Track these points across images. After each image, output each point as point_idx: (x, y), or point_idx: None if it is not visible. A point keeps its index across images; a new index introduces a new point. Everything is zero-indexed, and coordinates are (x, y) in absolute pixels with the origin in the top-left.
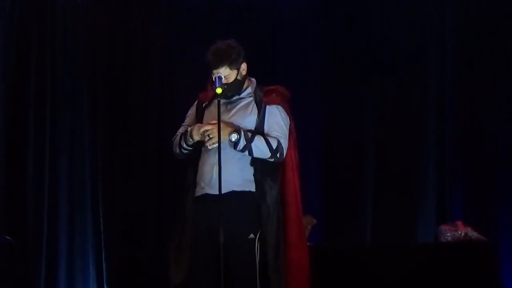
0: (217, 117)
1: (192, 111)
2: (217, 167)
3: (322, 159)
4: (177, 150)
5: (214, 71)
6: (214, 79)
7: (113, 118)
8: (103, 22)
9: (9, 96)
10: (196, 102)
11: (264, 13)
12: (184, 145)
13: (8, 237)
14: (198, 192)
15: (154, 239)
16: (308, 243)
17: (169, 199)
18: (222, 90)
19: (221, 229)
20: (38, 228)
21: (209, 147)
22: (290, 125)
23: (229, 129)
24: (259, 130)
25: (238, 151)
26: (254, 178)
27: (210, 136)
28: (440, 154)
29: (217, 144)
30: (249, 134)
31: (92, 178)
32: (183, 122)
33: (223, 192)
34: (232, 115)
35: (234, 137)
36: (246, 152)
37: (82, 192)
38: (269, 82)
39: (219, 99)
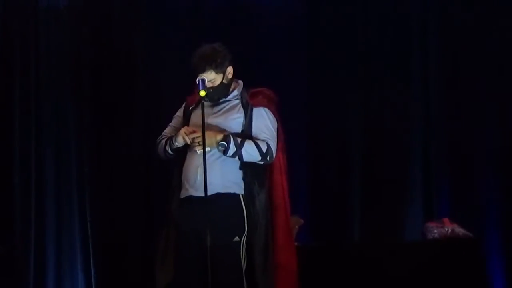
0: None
1: (179, 113)
2: (201, 169)
3: (308, 158)
4: (162, 153)
5: (200, 75)
6: (197, 82)
7: (98, 123)
8: (87, 26)
9: None
10: (184, 105)
11: (250, 16)
12: (169, 150)
13: None
14: (183, 194)
15: (142, 243)
16: (295, 244)
17: (157, 203)
18: (206, 93)
19: (207, 231)
20: (25, 235)
21: (197, 152)
22: (277, 127)
23: (218, 137)
24: (246, 132)
25: (228, 157)
26: (244, 181)
27: (200, 143)
28: (425, 151)
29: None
30: (239, 140)
31: (78, 183)
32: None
33: (207, 194)
34: (217, 117)
35: (222, 145)
36: (236, 158)
37: (69, 198)
38: (255, 85)
39: (203, 101)
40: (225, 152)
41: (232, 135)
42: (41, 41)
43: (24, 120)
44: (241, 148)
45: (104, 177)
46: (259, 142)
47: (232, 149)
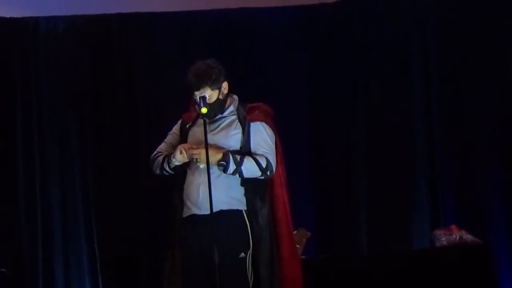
0: (201, 138)
1: (175, 130)
2: (204, 187)
3: (313, 171)
4: (158, 170)
5: (196, 92)
6: (198, 99)
7: (101, 144)
8: (86, 48)
9: None
10: (179, 122)
11: (247, 29)
12: (167, 168)
13: (3, 269)
14: (186, 213)
15: (149, 262)
16: (303, 257)
17: (163, 221)
18: (207, 110)
19: (215, 249)
20: (33, 258)
21: (200, 166)
22: (275, 140)
23: (218, 156)
24: (245, 148)
25: (228, 174)
26: (245, 197)
27: (198, 160)
28: (430, 159)
29: (204, 164)
30: (238, 157)
31: (84, 205)
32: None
33: (209, 212)
34: (215, 134)
35: (222, 165)
36: (237, 175)
37: (75, 219)
38: (254, 99)
39: (204, 118)
40: (225, 170)
41: (231, 153)
42: (41, 64)
43: (27, 144)
44: (241, 165)
45: (109, 198)
46: (258, 157)
47: (232, 167)
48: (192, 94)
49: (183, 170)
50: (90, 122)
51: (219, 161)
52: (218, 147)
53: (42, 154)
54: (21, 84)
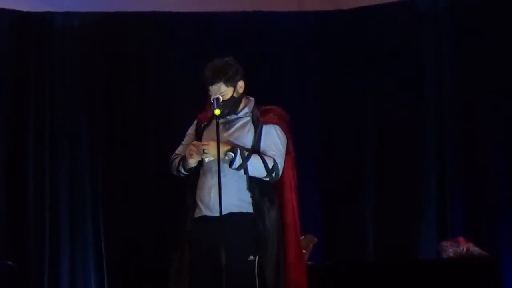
0: (215, 138)
1: (191, 131)
2: (215, 189)
3: (321, 177)
4: (175, 172)
5: (210, 88)
6: (212, 100)
7: (111, 140)
8: (100, 44)
9: (8, 122)
10: (195, 122)
11: (261, 32)
12: (182, 170)
13: (9, 263)
14: (197, 213)
15: (156, 261)
16: (309, 262)
17: (171, 221)
18: (221, 111)
19: (222, 250)
20: (39, 253)
21: (205, 160)
22: (287, 145)
23: (226, 147)
24: (255, 149)
25: (233, 169)
26: (252, 200)
27: (205, 152)
28: (439, 170)
29: (211, 158)
30: (246, 153)
31: (92, 201)
32: (183, 140)
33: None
34: (230, 135)
35: (229, 155)
36: (242, 171)
37: (83, 215)
38: (265, 101)
39: (218, 120)
40: (231, 164)
41: (239, 147)
42: (55, 59)
43: (38, 139)
44: (247, 161)
45: (117, 195)
46: (266, 157)
47: (238, 161)
48: (207, 90)
49: (197, 171)
50: (102, 118)
51: (227, 151)
52: (228, 142)
53: (52, 149)
54: (35, 77)
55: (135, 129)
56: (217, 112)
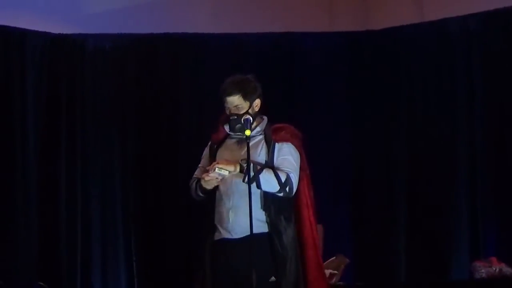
0: (229, 157)
1: (206, 152)
2: (233, 212)
3: (352, 197)
4: (194, 195)
5: (227, 99)
6: (243, 121)
7: (143, 162)
8: (132, 66)
9: (42, 143)
10: (209, 144)
11: (292, 53)
12: (200, 193)
13: (42, 284)
14: (217, 236)
15: (187, 282)
16: (340, 283)
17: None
18: (250, 132)
19: (254, 271)
20: (71, 274)
21: (220, 175)
22: (301, 161)
23: (239, 162)
24: (268, 166)
25: (245, 183)
26: (268, 219)
27: (220, 168)
28: (472, 189)
29: (226, 173)
30: (258, 167)
31: (124, 223)
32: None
33: (239, 236)
34: (244, 153)
35: (242, 164)
36: (254, 184)
37: (115, 237)
38: (299, 122)
39: (248, 140)
40: (243, 177)
41: (252, 161)
42: (87, 81)
43: (70, 160)
44: (259, 173)
45: (148, 217)
46: (278, 171)
47: (250, 173)
48: (223, 102)
49: (214, 193)
50: (133, 142)
51: (240, 160)
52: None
53: (84, 173)
54: (67, 100)
55: (167, 151)
56: (248, 133)
